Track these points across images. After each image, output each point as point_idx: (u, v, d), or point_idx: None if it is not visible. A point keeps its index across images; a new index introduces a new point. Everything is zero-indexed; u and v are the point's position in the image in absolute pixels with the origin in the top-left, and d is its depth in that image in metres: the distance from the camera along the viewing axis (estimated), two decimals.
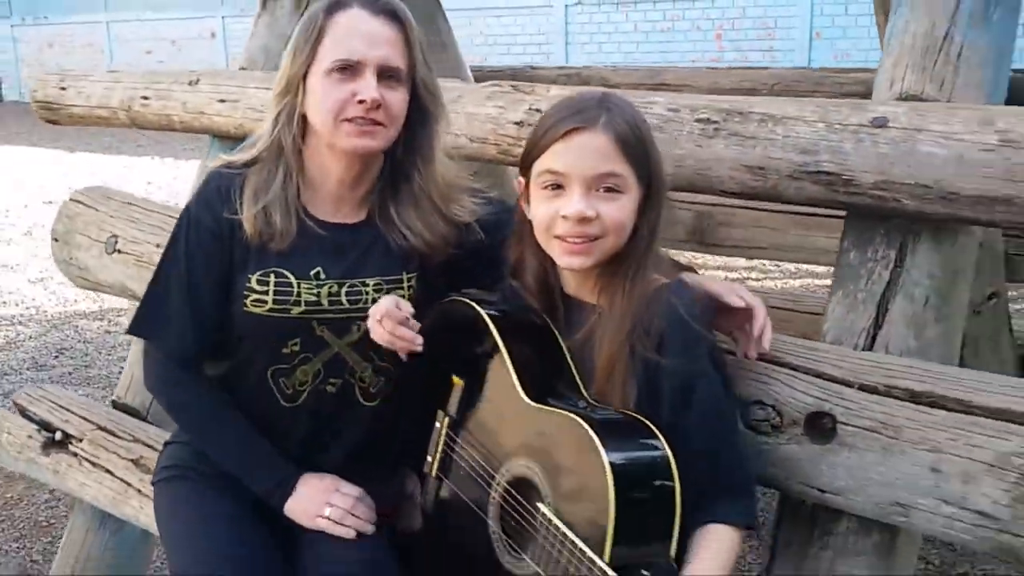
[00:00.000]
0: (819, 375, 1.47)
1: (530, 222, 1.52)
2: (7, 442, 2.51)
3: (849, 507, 1.44)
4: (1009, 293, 3.03)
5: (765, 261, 6.44)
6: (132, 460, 2.22)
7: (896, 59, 1.72)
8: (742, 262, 6.84)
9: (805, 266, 6.39)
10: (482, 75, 3.31)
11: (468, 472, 1.53)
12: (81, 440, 2.35)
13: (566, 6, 14.70)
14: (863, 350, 1.58)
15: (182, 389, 1.79)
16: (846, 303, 1.64)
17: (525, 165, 1.51)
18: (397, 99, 1.64)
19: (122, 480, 2.22)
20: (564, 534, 1.29)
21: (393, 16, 1.64)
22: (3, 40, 20.70)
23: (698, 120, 1.73)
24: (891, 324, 1.58)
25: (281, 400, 1.75)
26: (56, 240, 2.64)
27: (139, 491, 2.17)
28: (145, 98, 2.73)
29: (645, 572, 1.23)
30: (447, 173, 1.73)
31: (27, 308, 6.44)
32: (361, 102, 1.59)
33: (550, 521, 1.32)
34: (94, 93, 2.87)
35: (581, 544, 1.26)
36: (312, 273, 1.70)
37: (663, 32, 13.74)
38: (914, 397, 1.39)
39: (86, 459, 2.32)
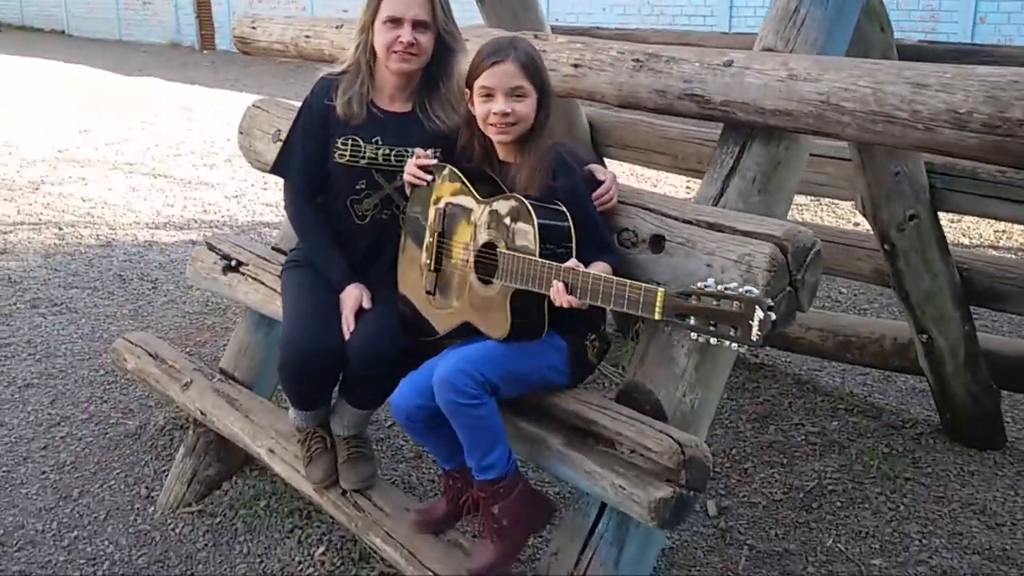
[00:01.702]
0: (661, 214, 2.42)
1: (475, 117, 2.53)
2: (199, 267, 3.64)
3: None
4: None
5: None
6: (277, 276, 3.28)
7: (765, 25, 2.61)
8: None
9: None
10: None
11: (452, 254, 2.54)
12: (247, 265, 3.45)
13: None
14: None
15: (301, 211, 2.89)
16: (708, 181, 2.55)
17: (469, 83, 2.52)
18: (425, 39, 2.67)
19: (271, 288, 3.24)
20: (515, 255, 2.32)
21: None
22: None
23: (633, 60, 2.65)
24: (728, 194, 2.49)
25: (355, 219, 2.81)
26: (241, 133, 3.72)
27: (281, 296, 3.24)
28: (307, 37, 3.78)
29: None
30: (462, 84, 2.74)
31: (223, 217, 7.71)
32: (402, 43, 2.63)
33: (504, 253, 2.35)
34: (274, 32, 3.94)
35: (525, 255, 2.29)
36: (373, 140, 2.75)
37: None
38: (710, 226, 2.32)
39: (250, 276, 3.39)
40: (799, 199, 7.72)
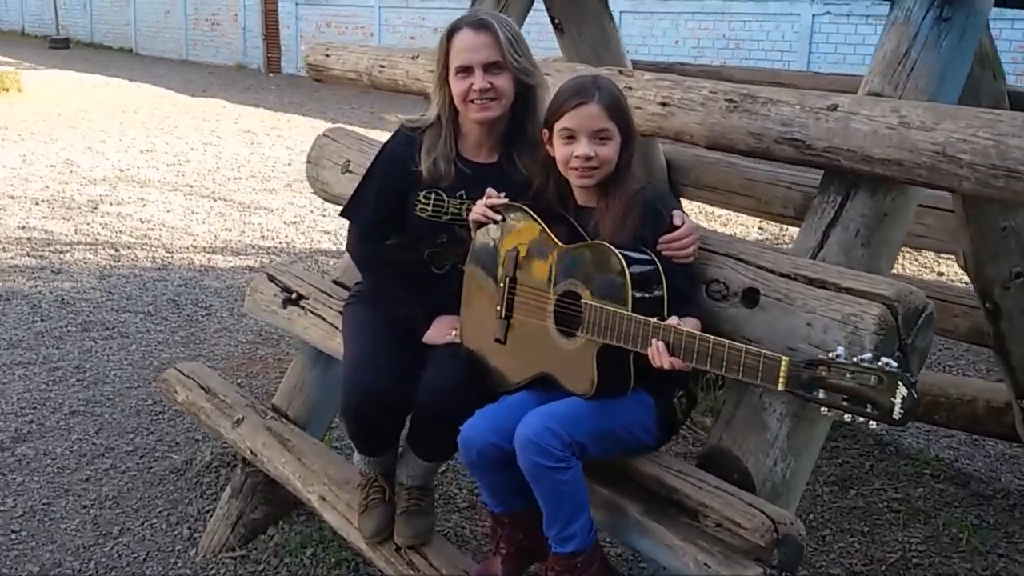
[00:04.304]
0: (755, 265, 2.24)
1: (553, 159, 2.36)
2: (258, 299, 3.50)
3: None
4: None
5: None
6: (338, 311, 3.14)
7: (872, 68, 2.43)
8: None
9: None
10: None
11: (526, 302, 2.36)
12: (308, 298, 3.31)
13: (813, 15, 14.67)
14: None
15: (364, 252, 2.76)
16: (806, 231, 2.37)
17: (549, 124, 2.36)
18: (501, 81, 2.50)
19: (331, 324, 3.10)
20: (604, 308, 2.14)
21: (487, 28, 2.49)
22: (287, 16, 22.45)
23: (727, 100, 2.48)
24: (828, 246, 2.31)
25: (434, 268, 2.67)
26: (309, 162, 3.60)
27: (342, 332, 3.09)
28: (382, 67, 3.65)
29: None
30: None
31: (281, 243, 7.63)
32: (476, 90, 2.47)
33: (591, 305, 2.17)
34: (348, 61, 3.81)
35: (616, 308, 2.11)
36: (458, 195, 2.60)
37: None
38: (811, 281, 2.13)
39: (310, 311, 3.24)
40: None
